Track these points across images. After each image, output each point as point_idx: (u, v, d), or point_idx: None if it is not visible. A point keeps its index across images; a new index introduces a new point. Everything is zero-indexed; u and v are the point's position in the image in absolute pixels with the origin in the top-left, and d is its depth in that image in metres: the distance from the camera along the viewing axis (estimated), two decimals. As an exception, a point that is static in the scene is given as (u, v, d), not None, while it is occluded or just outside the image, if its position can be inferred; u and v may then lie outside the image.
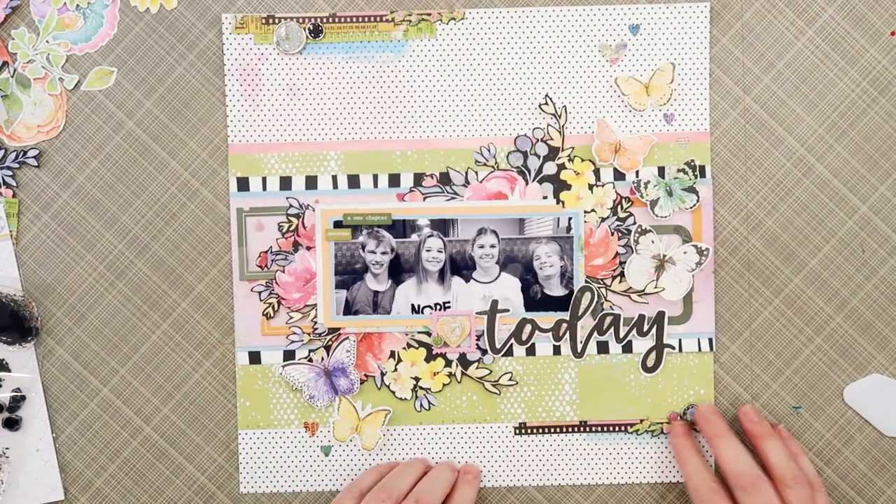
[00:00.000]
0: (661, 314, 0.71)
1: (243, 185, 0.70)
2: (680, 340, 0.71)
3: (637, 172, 0.70)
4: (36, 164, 0.70)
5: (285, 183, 0.70)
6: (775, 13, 0.71)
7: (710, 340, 0.71)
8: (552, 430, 0.71)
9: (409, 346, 0.71)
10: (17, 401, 0.71)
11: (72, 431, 0.72)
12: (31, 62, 0.70)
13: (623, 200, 0.70)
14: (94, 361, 0.71)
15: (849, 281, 0.72)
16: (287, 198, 0.70)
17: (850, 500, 0.72)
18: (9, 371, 0.71)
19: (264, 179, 0.70)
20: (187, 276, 0.71)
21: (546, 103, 0.70)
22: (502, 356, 0.71)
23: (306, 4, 0.70)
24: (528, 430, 0.71)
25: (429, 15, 0.70)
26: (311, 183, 0.70)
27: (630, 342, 0.71)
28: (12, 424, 0.71)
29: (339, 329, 0.70)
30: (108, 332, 0.71)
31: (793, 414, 0.72)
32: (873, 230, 0.72)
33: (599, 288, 0.71)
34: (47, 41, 0.70)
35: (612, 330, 0.71)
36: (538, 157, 0.70)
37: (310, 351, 0.70)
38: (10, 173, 0.70)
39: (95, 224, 0.71)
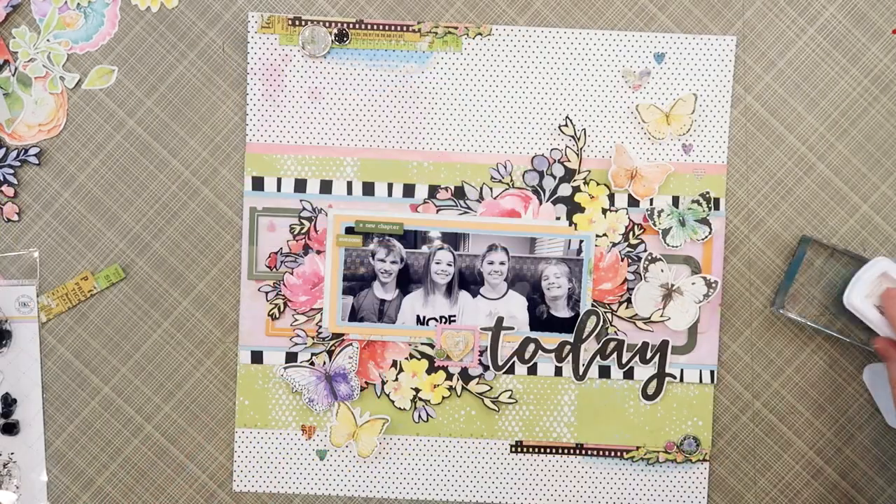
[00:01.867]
0: (664, 343, 0.71)
1: (258, 184, 0.70)
2: (682, 370, 0.71)
3: (651, 200, 0.70)
4: (37, 162, 0.70)
5: (300, 185, 0.70)
6: (776, 11, 0.71)
7: (712, 373, 0.71)
8: (548, 450, 0.71)
9: (411, 356, 0.71)
10: (9, 405, 0.71)
11: (73, 430, 0.72)
12: (32, 61, 0.70)
13: (635, 227, 0.70)
14: (96, 360, 0.71)
15: (849, 280, 0.72)
16: (301, 200, 0.70)
17: (851, 499, 0.72)
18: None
19: (279, 180, 0.70)
20: (188, 274, 0.71)
21: (566, 125, 0.70)
22: (503, 373, 0.71)
23: (307, 3, 0.70)
24: (525, 449, 0.71)
25: (455, 28, 0.70)
26: (326, 187, 0.70)
27: (632, 368, 0.71)
28: (10, 429, 0.71)
29: (342, 335, 0.71)
30: (109, 330, 0.71)
31: (793, 412, 0.72)
32: (874, 229, 0.72)
33: (605, 312, 0.71)
34: (48, 40, 0.70)
35: (615, 355, 0.71)
36: (554, 177, 0.70)
37: (312, 354, 0.71)
38: (12, 171, 0.70)
39: (96, 223, 0.71)
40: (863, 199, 0.72)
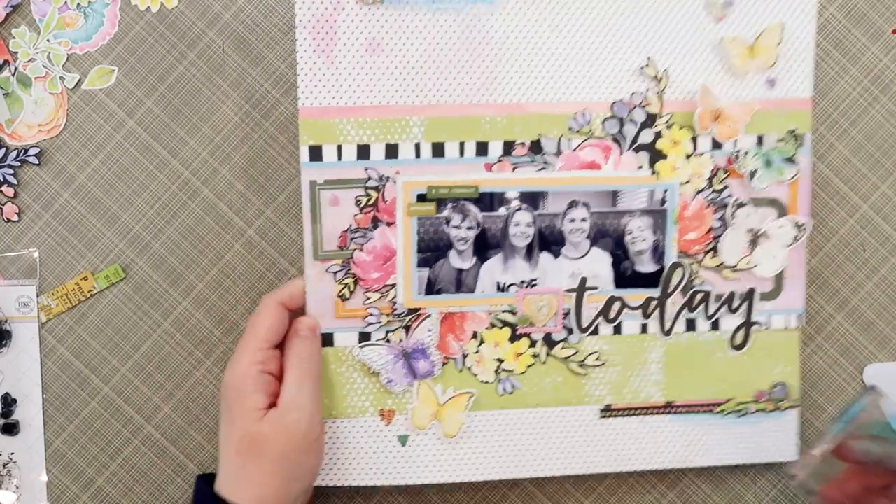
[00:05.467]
0: (751, 291, 0.69)
1: (316, 154, 0.63)
2: (770, 316, 0.68)
3: (735, 142, 0.67)
4: (37, 162, 0.69)
5: (363, 152, 0.63)
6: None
7: (800, 316, 0.69)
8: (638, 411, 0.68)
9: (492, 325, 0.66)
10: (9, 405, 0.70)
11: (73, 430, 0.70)
12: (31, 61, 0.69)
13: (720, 171, 0.67)
14: (96, 360, 0.70)
15: (850, 280, 0.73)
16: (365, 168, 0.63)
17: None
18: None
19: (339, 148, 0.63)
20: (188, 274, 0.70)
21: (647, 66, 0.65)
22: (588, 335, 0.67)
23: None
24: (614, 413, 0.68)
25: (528, -35, 0.63)
26: (392, 152, 0.63)
27: (718, 319, 0.68)
28: (10, 429, 0.70)
29: (418, 309, 0.65)
30: (109, 330, 0.70)
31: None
32: (874, 229, 0.72)
33: (691, 264, 0.67)
34: (48, 40, 0.69)
35: (702, 307, 0.68)
36: (634, 123, 0.66)
37: (387, 332, 0.65)
38: (12, 171, 0.69)
39: (96, 223, 0.70)
40: (863, 199, 0.72)
